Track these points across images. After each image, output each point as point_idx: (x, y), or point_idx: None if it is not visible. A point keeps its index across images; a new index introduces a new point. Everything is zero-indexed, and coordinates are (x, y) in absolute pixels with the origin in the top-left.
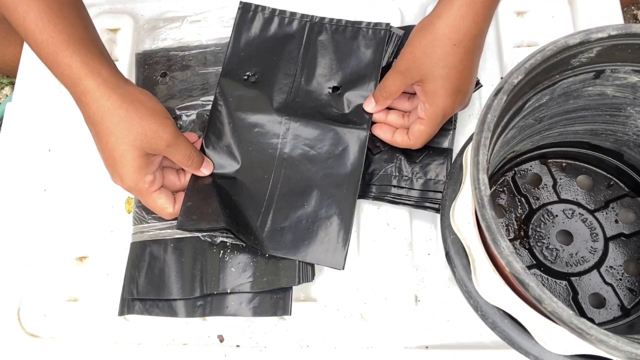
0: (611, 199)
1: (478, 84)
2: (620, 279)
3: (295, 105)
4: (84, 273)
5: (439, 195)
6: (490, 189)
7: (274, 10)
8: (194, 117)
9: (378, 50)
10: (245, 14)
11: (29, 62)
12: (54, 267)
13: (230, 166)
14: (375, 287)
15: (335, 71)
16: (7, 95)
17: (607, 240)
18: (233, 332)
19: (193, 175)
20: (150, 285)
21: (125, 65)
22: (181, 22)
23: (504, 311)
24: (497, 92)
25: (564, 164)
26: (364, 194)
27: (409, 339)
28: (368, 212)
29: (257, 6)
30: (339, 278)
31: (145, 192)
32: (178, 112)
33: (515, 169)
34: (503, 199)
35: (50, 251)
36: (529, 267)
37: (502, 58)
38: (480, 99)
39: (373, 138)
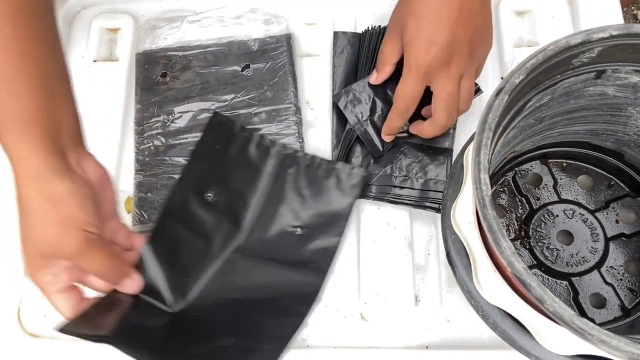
0: (612, 199)
1: (478, 91)
2: (621, 279)
3: (251, 241)
4: None
5: (439, 195)
6: (491, 189)
7: (243, 127)
8: (192, 117)
9: (351, 195)
10: (219, 123)
11: None
12: None
13: (158, 296)
14: (375, 287)
15: (302, 210)
16: None
17: (607, 240)
18: None
19: None
20: None
21: (125, 65)
22: (181, 22)
23: (504, 311)
24: (498, 92)
25: (564, 164)
26: (364, 194)
27: (409, 339)
28: (368, 212)
29: (229, 120)
30: (339, 278)
31: (41, 290)
32: (177, 113)
33: (516, 169)
34: (504, 199)
35: None
36: (530, 267)
37: (502, 58)
38: (480, 99)
39: (374, 143)
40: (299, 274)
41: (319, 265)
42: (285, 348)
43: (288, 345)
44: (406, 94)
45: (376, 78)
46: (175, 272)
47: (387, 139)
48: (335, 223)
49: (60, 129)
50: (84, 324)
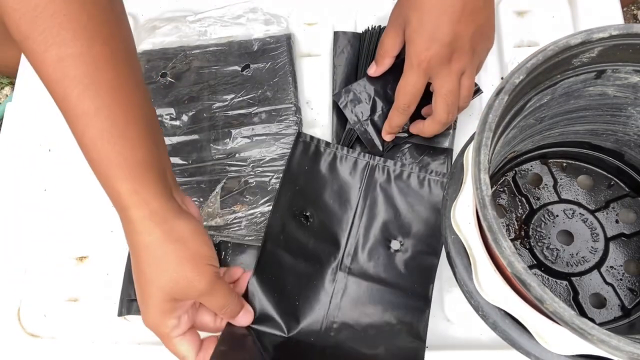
0: (612, 199)
1: (478, 91)
2: (621, 279)
3: (350, 260)
4: (84, 273)
5: None
6: (491, 189)
7: (328, 143)
8: (192, 117)
9: None
10: (304, 143)
11: (29, 63)
12: (54, 267)
13: (272, 323)
14: None
15: (396, 222)
16: (7, 95)
17: (607, 240)
18: None
19: None
20: None
21: None
22: (181, 22)
23: (504, 311)
24: (498, 92)
25: (564, 164)
26: None
27: None
28: None
29: (313, 138)
30: None
31: (165, 336)
32: (177, 113)
33: (516, 169)
34: (504, 199)
35: (50, 251)
36: (530, 267)
37: (503, 58)
38: (480, 99)
39: (374, 143)
40: (404, 299)
41: (422, 291)
42: None
43: None
44: (408, 90)
45: (375, 70)
46: (284, 297)
47: (388, 137)
48: (430, 239)
49: (165, 171)
50: None
